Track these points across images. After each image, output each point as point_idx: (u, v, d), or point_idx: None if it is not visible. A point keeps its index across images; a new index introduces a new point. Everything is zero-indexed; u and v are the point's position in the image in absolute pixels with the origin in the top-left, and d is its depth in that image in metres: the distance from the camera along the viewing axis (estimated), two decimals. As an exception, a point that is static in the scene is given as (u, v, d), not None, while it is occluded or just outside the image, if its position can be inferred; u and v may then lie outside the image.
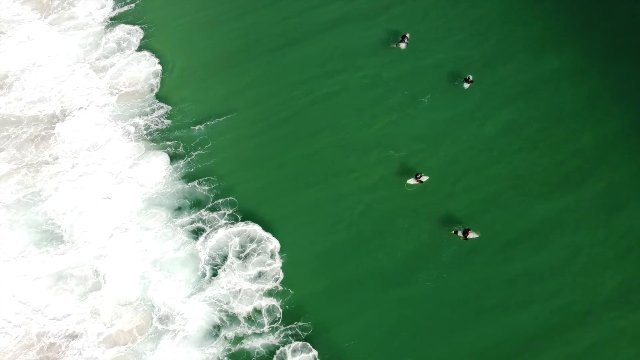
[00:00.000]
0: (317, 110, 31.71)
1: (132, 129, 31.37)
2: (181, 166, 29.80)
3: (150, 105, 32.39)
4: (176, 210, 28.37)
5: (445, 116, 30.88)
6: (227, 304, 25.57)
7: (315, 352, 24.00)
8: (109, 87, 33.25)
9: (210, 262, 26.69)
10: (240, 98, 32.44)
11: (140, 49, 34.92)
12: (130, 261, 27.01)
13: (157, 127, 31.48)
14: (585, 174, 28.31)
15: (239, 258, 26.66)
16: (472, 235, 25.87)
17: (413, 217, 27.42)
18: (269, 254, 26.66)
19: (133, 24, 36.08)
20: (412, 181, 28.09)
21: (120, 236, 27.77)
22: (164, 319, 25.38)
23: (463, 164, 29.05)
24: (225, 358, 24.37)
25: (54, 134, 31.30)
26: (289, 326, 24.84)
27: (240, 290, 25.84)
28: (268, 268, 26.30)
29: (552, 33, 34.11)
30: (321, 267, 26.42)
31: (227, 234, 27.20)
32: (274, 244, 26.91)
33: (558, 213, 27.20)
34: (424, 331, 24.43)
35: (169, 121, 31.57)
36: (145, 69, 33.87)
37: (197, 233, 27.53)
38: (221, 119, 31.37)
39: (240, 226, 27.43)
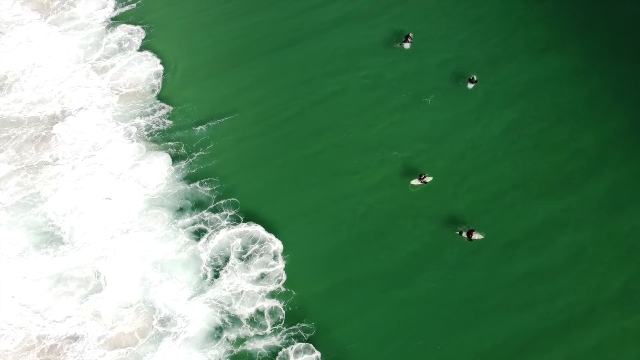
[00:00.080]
0: (319, 110, 32.02)
1: (134, 130, 31.64)
2: (183, 167, 30.08)
3: (151, 105, 32.66)
4: (178, 211, 28.63)
5: (449, 116, 31.20)
6: (229, 305, 25.83)
7: (318, 354, 24.29)
8: (110, 88, 33.53)
9: (212, 263, 26.95)
10: (242, 98, 32.73)
11: (141, 49, 35.19)
12: (131, 263, 27.24)
13: (158, 127, 31.75)
14: (587, 174, 28.68)
15: (241, 259, 26.94)
16: (476, 236, 26.17)
17: (416, 218, 27.73)
18: (272, 255, 26.95)
19: (134, 24, 36.35)
20: (415, 182, 28.39)
21: (121, 237, 28.00)
22: (165, 321, 25.63)
23: (466, 164, 29.38)
24: (227, 360, 24.69)
25: (54, 134, 31.57)
26: (291, 327, 25.10)
27: (242, 291, 26.10)
28: (271, 269, 26.58)
29: (552, 33, 34.51)
30: (324, 268, 26.71)
31: (229, 235, 27.50)
32: (276, 245, 27.18)
33: (561, 213, 27.54)
34: (427, 332, 24.72)
35: (170, 122, 31.85)
36: (146, 69, 34.18)
37: (199, 234, 27.79)
38: (223, 120, 31.67)
39: (243, 227, 27.73)
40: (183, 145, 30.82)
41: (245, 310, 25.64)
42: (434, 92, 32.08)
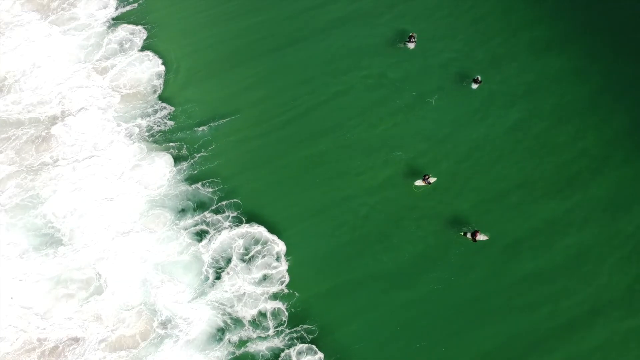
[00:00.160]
0: (321, 110, 32.38)
1: (135, 131, 32.00)
2: (184, 168, 30.41)
3: (152, 106, 33.03)
4: (179, 212, 28.96)
5: (452, 117, 31.55)
6: (231, 307, 26.18)
7: (321, 355, 24.66)
8: (111, 88, 33.88)
9: (214, 265, 27.31)
10: (244, 98, 33.09)
11: (143, 49, 35.55)
12: (132, 264, 27.60)
13: (159, 128, 32.10)
14: (590, 174, 29.05)
15: (243, 260, 27.29)
16: (481, 237, 26.54)
17: (419, 219, 28.09)
18: (275, 256, 27.29)
19: (136, 24, 36.73)
20: (419, 183, 28.73)
21: (122, 239, 28.34)
22: (167, 323, 25.96)
23: (470, 164, 29.73)
24: (230, 361, 25.02)
25: (55, 135, 31.91)
26: (294, 329, 25.46)
27: (244, 293, 26.45)
28: (274, 271, 26.92)
29: (554, 32, 34.92)
30: (327, 269, 27.06)
31: (231, 236, 27.86)
32: (279, 246, 27.53)
33: (564, 213, 27.91)
34: (430, 333, 25.09)
35: (172, 122, 32.21)
36: (148, 69, 34.55)
37: (200, 235, 28.15)
38: (225, 120, 32.03)
39: (245, 228, 28.08)
40: (185, 146, 31.18)
41: (247, 312, 25.98)
42: (438, 92, 32.45)
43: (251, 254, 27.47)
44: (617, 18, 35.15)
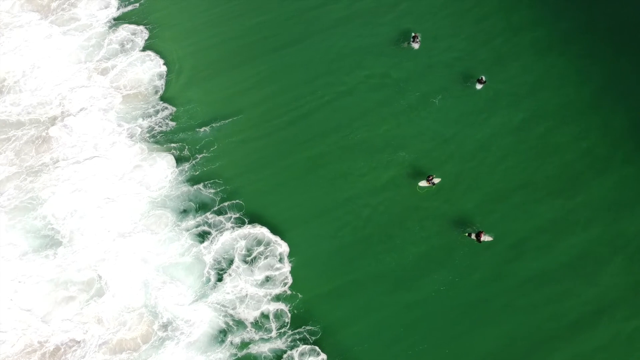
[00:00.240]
0: (324, 111, 32.75)
1: (136, 131, 32.39)
2: (186, 169, 30.78)
3: (154, 106, 33.42)
4: (181, 213, 29.34)
5: (456, 117, 31.92)
6: (233, 309, 26.53)
7: (324, 356, 25.04)
8: (112, 89, 34.26)
9: (216, 266, 27.66)
10: (246, 99, 33.49)
11: (144, 49, 35.95)
12: (134, 266, 27.95)
13: (161, 129, 32.48)
14: (594, 173, 29.39)
15: (245, 262, 27.65)
16: (485, 237, 26.89)
17: (423, 220, 28.46)
18: (278, 257, 27.66)
19: (137, 24, 37.11)
20: (423, 183, 29.10)
21: (123, 240, 28.68)
22: (168, 326, 26.30)
23: (474, 164, 30.09)
24: (231, 363, 25.39)
25: (55, 136, 32.31)
26: (297, 330, 25.82)
27: (246, 294, 26.80)
28: (277, 272, 27.29)
29: (556, 32, 35.28)
30: (330, 270, 27.42)
31: (234, 237, 28.22)
32: (283, 247, 27.90)
33: (569, 212, 28.27)
34: (434, 334, 25.44)
35: (173, 123, 32.59)
36: (149, 69, 34.96)
37: (202, 237, 28.51)
38: (227, 121, 32.41)
39: (247, 229, 28.44)
40: (186, 147, 31.56)
41: (250, 314, 26.32)
42: (442, 92, 32.84)
43: (253, 255, 27.81)
44: (620, 17, 35.51)
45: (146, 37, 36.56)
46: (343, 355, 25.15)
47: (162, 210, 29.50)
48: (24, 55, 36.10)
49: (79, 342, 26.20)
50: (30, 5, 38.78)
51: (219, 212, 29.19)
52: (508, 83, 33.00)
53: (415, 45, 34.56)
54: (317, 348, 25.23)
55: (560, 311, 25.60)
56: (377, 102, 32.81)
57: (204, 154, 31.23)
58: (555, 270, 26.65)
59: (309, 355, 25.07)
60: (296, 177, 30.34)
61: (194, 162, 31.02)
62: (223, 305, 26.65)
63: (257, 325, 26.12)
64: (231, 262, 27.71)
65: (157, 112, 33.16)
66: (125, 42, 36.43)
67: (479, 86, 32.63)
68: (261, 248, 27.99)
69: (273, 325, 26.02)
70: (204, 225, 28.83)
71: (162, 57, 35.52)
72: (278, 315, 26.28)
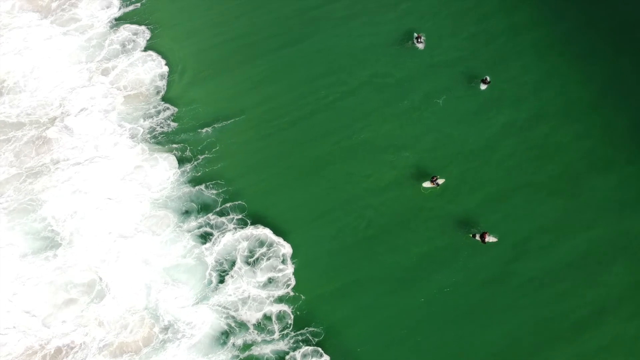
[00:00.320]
0: (327, 111, 33.16)
1: (137, 132, 32.81)
2: (188, 170, 31.16)
3: (156, 107, 33.84)
4: (183, 214, 29.72)
5: (460, 117, 32.28)
6: (235, 311, 26.88)
7: (327, 357, 25.41)
8: (113, 89, 34.68)
9: (218, 268, 28.04)
10: (248, 99, 33.89)
11: (146, 49, 36.39)
12: (135, 268, 28.31)
13: (163, 130, 32.87)
14: (597, 172, 29.74)
15: (248, 263, 28.02)
16: (490, 238, 27.28)
17: (427, 220, 28.84)
18: (281, 258, 28.00)
19: (139, 24, 37.59)
20: (427, 184, 29.46)
21: (125, 242, 29.04)
22: (170, 328, 26.64)
23: (477, 164, 30.49)
24: (233, 365, 25.76)
25: (56, 137, 32.70)
26: (299, 331, 26.17)
27: (249, 296, 27.14)
28: (279, 274, 27.65)
29: (558, 31, 35.66)
30: (333, 271, 27.79)
31: (236, 238, 28.61)
32: (286, 248, 28.26)
33: (572, 212, 28.60)
34: (437, 334, 25.82)
35: (175, 124, 33.02)
36: (151, 70, 35.40)
37: (205, 238, 28.89)
38: (229, 121, 32.82)
39: (250, 230, 28.83)
40: (188, 148, 31.97)
41: (252, 316, 26.68)
42: (445, 92, 33.22)
43: (256, 256, 28.17)
44: (621, 17, 35.86)
45: (148, 37, 36.97)
46: (346, 356, 25.48)
47: (164, 211, 29.82)
48: (24, 56, 36.54)
49: (80, 344, 26.48)
50: (30, 5, 39.22)
51: (221, 213, 29.54)
52: (510, 83, 33.37)
53: (420, 46, 34.95)
54: (319, 349, 25.55)
55: (563, 311, 25.92)
56: (380, 102, 33.16)
57: (205, 155, 31.60)
58: (559, 270, 26.98)
59: (312, 357, 25.39)
60: (299, 178, 30.68)
61: (195, 163, 31.39)
62: (225, 307, 26.97)
63: (260, 327, 26.43)
64: (233, 263, 28.06)
65: (158, 112, 33.54)
66: (126, 43, 36.84)
67: (483, 86, 32.97)
68: (264, 249, 28.33)
69: (276, 326, 26.31)
70: (206, 227, 29.17)
71: (163, 57, 35.96)
72: (280, 316, 26.58)
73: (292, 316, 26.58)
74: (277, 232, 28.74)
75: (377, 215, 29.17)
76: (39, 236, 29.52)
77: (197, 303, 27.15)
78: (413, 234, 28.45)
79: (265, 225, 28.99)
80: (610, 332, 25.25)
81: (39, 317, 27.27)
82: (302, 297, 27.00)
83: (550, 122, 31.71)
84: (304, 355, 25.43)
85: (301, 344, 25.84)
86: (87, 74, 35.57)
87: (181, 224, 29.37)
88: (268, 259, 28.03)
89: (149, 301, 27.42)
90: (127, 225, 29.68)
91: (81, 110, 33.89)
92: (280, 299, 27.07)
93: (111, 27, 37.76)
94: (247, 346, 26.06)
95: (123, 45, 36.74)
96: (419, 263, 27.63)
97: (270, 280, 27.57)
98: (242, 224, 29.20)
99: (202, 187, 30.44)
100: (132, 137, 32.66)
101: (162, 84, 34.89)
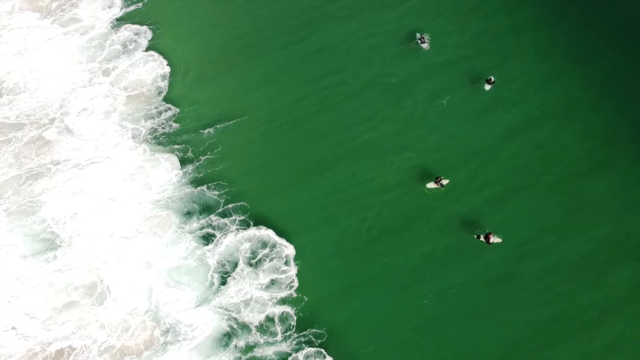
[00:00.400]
0: (330, 111, 33.44)
1: (139, 132, 33.19)
2: (190, 171, 31.55)
3: (157, 107, 34.24)
4: (185, 215, 30.08)
5: (465, 118, 32.48)
6: (237, 312, 27.19)
7: (330, 359, 25.69)
8: (114, 90, 35.11)
9: (220, 269, 28.39)
10: (251, 100, 34.26)
11: (147, 49, 36.85)
12: (136, 270, 28.68)
13: (164, 130, 33.26)
14: (601, 172, 29.87)
15: (250, 265, 28.35)
16: (494, 239, 27.51)
17: (430, 221, 29.07)
18: (284, 259, 28.32)
19: (141, 24, 38.07)
20: (431, 185, 29.72)
21: (126, 243, 29.41)
22: (171, 330, 26.97)
23: (481, 165, 30.65)
24: (235, 367, 26.07)
25: (55, 139, 33.17)
26: (302, 333, 26.47)
27: (251, 298, 27.45)
28: (282, 276, 27.96)
29: (559, 31, 35.83)
30: (336, 272, 28.06)
31: (238, 239, 28.94)
32: (289, 249, 28.55)
33: (576, 211, 28.78)
34: (441, 336, 26.05)
35: (177, 124, 33.42)
36: (153, 70, 35.82)
37: (207, 239, 29.25)
38: (231, 122, 33.17)
39: (252, 231, 29.18)
40: (190, 149, 32.32)
41: (255, 317, 26.99)
42: (449, 92, 33.42)
43: (258, 257, 28.47)
44: (623, 17, 36.01)
45: (150, 38, 37.41)
46: (349, 358, 25.70)
47: (166, 212, 30.14)
48: (24, 57, 37.01)
49: (81, 347, 26.82)
50: (31, 6, 39.75)
51: (224, 215, 29.88)
52: (513, 83, 33.55)
53: (425, 46, 35.24)
54: (323, 351, 25.80)
55: (568, 311, 26.08)
56: (384, 103, 33.38)
57: (208, 156, 31.94)
58: (563, 270, 27.14)
59: (315, 358, 25.67)
60: (302, 179, 30.95)
61: (197, 163, 31.73)
62: (227, 309, 27.26)
63: (262, 328, 26.70)
64: (236, 265, 28.36)
65: (160, 113, 33.93)
66: (128, 43, 37.27)
67: (487, 87, 33.18)
68: (266, 250, 28.62)
69: (278, 328, 26.58)
70: (208, 228, 29.49)
71: (165, 57, 36.35)
72: (283, 318, 26.87)
73: (295, 318, 26.86)
74: (280, 233, 29.03)
75: (380, 216, 29.40)
76: (38, 238, 29.88)
77: (199, 305, 27.46)
78: (417, 235, 28.67)
79: (268, 226, 29.30)
80: (615, 333, 25.39)
81: (39, 320, 27.60)
82: (305, 298, 27.29)
83: (554, 122, 31.83)
84: (307, 357, 25.72)
85: (304, 345, 26.13)
86: (87, 74, 36.01)
87: (183, 225, 29.69)
88: (271, 260, 28.35)
89: (150, 303, 27.73)
90: (129, 226, 30.02)
91: (82, 110, 34.29)
92: (283, 301, 27.37)
93: (112, 27, 38.21)
94: (249, 348, 26.35)
95: (124, 46, 37.19)
96: (422, 264, 27.86)
97: (273, 282, 27.89)
98: (245, 225, 29.54)
99: (204, 188, 30.81)
100: (134, 137, 33.03)
101: (164, 84, 35.30)
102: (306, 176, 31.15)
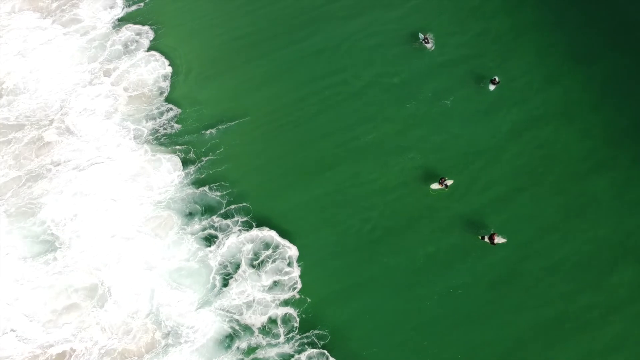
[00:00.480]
0: (332, 111, 33.75)
1: (140, 133, 33.54)
2: (192, 171, 31.86)
3: (159, 108, 34.60)
4: (187, 216, 30.37)
5: (468, 118, 32.80)
6: (240, 314, 27.45)
7: (332, 360, 26.02)
8: (116, 90, 35.45)
9: (222, 271, 28.66)
10: (252, 100, 34.60)
11: (149, 50, 37.25)
12: (138, 271, 28.93)
13: (166, 131, 33.59)
14: (602, 172, 30.16)
15: (253, 266, 28.62)
16: (498, 240, 27.81)
17: (434, 221, 29.36)
18: (287, 260, 28.57)
19: (142, 24, 38.51)
20: (436, 186, 30.00)
21: (127, 245, 29.68)
22: (173, 332, 27.22)
23: (484, 165, 30.93)
24: (237, 369, 26.33)
25: (57, 139, 33.50)
26: (305, 334, 26.74)
27: (254, 299, 27.71)
28: (285, 277, 28.21)
29: (560, 31, 36.13)
30: (339, 273, 28.34)
31: (240, 241, 29.21)
32: (292, 250, 28.83)
33: (578, 211, 29.06)
34: (444, 336, 26.34)
35: (178, 125, 33.79)
36: (154, 70, 36.20)
37: (209, 241, 29.54)
38: (233, 123, 33.51)
39: (255, 232, 29.46)
40: (192, 149, 32.65)
41: (257, 319, 27.26)
42: (453, 92, 33.72)
43: (261, 258, 28.71)
44: (623, 17, 36.31)
45: (151, 38, 37.86)
46: (352, 359, 25.97)
47: (167, 213, 30.37)
48: (24, 57, 37.40)
49: (82, 349, 27.06)
50: (31, 6, 40.20)
51: (226, 216, 30.17)
52: (515, 83, 33.85)
53: (429, 46, 35.54)
54: (325, 352, 26.04)
55: (571, 311, 26.35)
56: (387, 103, 33.68)
57: (209, 157, 32.26)
58: (564, 270, 27.41)
59: (317, 359, 25.96)
60: (304, 180, 31.23)
61: (199, 164, 32.05)
62: (229, 311, 27.50)
63: (265, 330, 26.95)
64: (238, 266, 28.61)
65: (162, 113, 34.29)
66: (129, 43, 37.68)
67: (492, 87, 33.44)
68: (269, 252, 28.86)
69: (281, 330, 26.83)
70: (210, 229, 29.77)
71: (167, 57, 36.76)
72: (286, 319, 27.12)
73: (297, 319, 27.11)
74: (282, 234, 29.31)
75: (383, 216, 29.66)
76: (38, 239, 30.18)
77: (201, 307, 27.73)
78: (420, 235, 28.94)
79: (271, 227, 29.58)
80: (616, 332, 25.66)
81: (39, 322, 27.87)
82: (308, 299, 27.57)
83: (554, 122, 32.11)
84: (310, 358, 25.99)
85: (307, 347, 26.39)
86: (88, 75, 36.38)
87: (185, 227, 29.96)
88: (273, 261, 28.60)
89: (151, 305, 27.98)
90: (130, 227, 30.29)
91: (82, 111, 34.62)
92: (285, 302, 27.64)
93: (114, 28, 38.63)
94: (251, 350, 26.61)
95: (126, 46, 37.59)
96: (426, 265, 28.14)
97: (275, 283, 28.14)
98: (247, 226, 29.82)
99: (206, 188, 31.12)
100: (136, 138, 33.32)
101: (166, 84, 35.67)
102: (309, 177, 31.42)
